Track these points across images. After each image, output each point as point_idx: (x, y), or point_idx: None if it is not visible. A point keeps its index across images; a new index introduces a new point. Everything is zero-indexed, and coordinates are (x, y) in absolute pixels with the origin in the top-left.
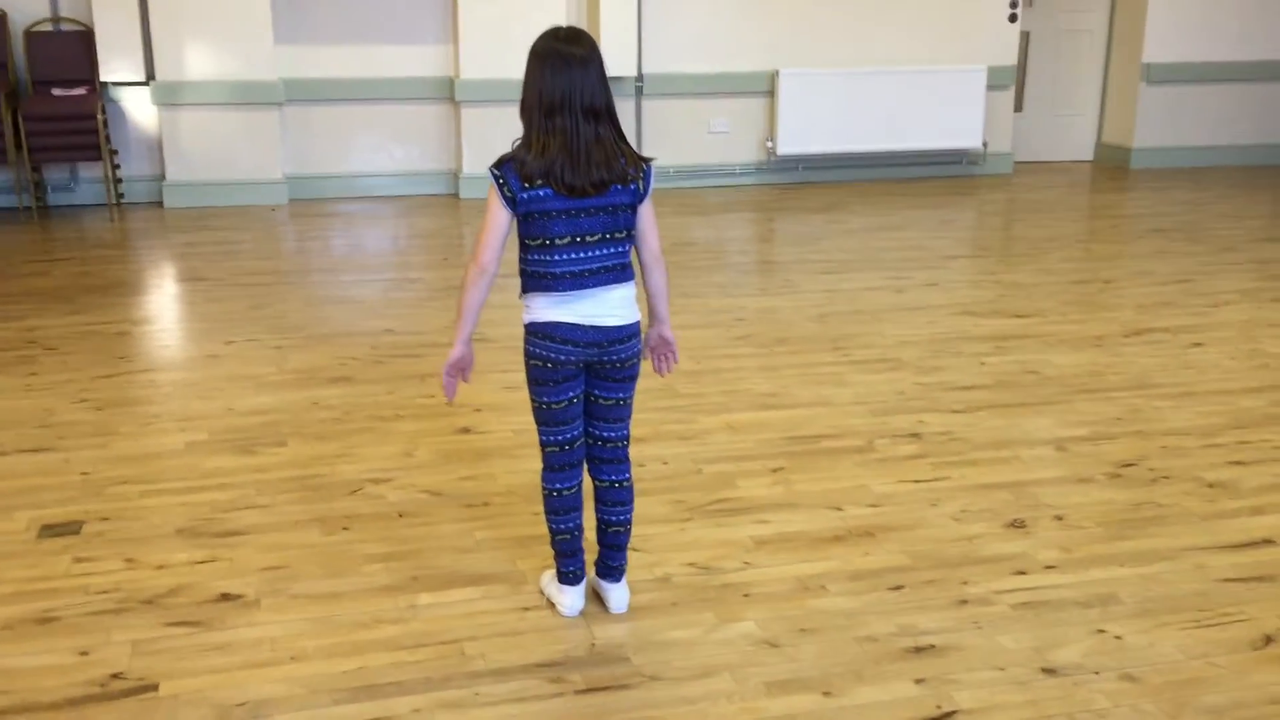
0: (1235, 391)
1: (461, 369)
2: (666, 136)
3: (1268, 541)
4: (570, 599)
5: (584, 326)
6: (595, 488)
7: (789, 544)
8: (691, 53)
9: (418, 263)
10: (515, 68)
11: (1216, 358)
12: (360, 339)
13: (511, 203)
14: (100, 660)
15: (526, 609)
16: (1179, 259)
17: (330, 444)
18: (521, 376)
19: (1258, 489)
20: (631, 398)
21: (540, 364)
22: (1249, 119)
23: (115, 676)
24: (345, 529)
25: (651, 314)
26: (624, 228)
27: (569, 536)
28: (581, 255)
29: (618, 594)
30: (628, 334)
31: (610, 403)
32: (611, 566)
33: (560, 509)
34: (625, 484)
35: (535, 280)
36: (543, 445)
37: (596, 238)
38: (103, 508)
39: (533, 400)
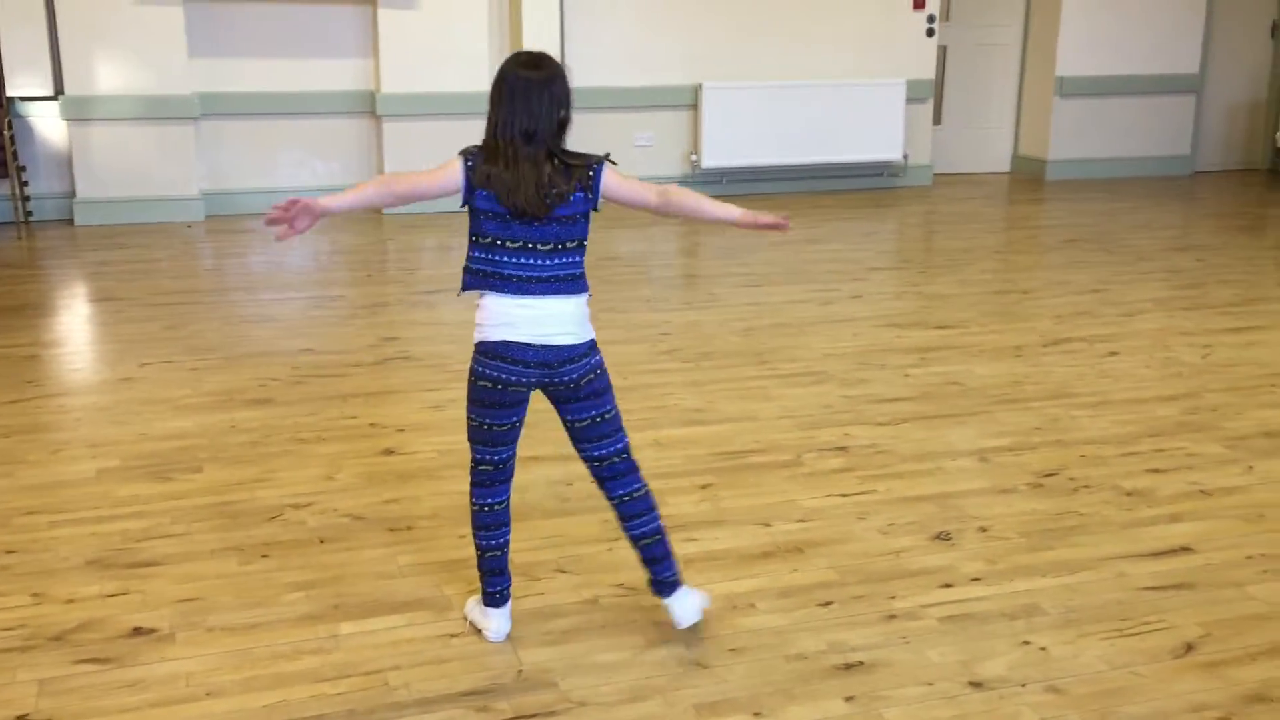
0: (1150, 400)
1: (304, 212)
2: (590, 149)
3: (1185, 549)
4: (496, 623)
5: (534, 346)
6: (612, 507)
7: (717, 562)
8: (615, 66)
9: (339, 280)
10: (437, 81)
11: (1131, 366)
12: (280, 359)
13: (469, 190)
14: (5, 701)
15: (452, 636)
16: (1094, 269)
17: (248, 468)
18: (444, 395)
19: (1174, 496)
20: (609, 412)
21: (489, 385)
22: (1158, 131)
23: (21, 718)
24: (264, 557)
25: (727, 220)
26: (576, 237)
27: (497, 553)
28: (531, 261)
29: (679, 606)
30: (578, 353)
31: (585, 422)
32: (662, 580)
33: (489, 524)
34: (638, 494)
35: (481, 279)
36: (474, 463)
37: (549, 246)
38: (8, 539)
39: (471, 420)
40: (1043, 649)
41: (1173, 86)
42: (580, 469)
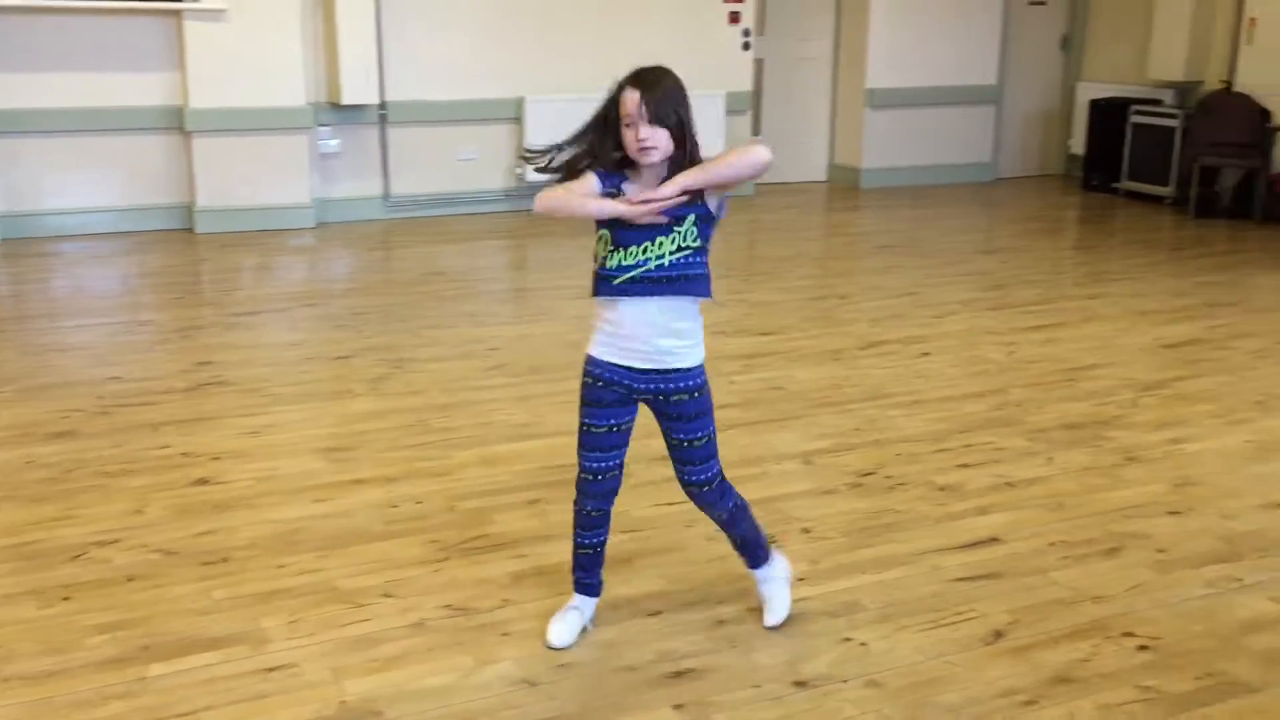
0: (959, 397)
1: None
2: (413, 165)
3: (993, 540)
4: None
5: None
6: None
7: (547, 577)
8: (435, 80)
9: (148, 304)
10: (249, 96)
11: (942, 366)
12: (84, 389)
13: None
14: None
15: (270, 670)
16: (907, 273)
17: (48, 506)
18: (261, 420)
19: (982, 489)
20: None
21: None
22: (962, 139)
23: None
24: (66, 599)
25: None
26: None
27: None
28: None
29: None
30: None
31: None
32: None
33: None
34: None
35: None
36: None
37: None
38: None
39: None
40: (863, 644)
41: (974, 97)
42: (404, 489)
